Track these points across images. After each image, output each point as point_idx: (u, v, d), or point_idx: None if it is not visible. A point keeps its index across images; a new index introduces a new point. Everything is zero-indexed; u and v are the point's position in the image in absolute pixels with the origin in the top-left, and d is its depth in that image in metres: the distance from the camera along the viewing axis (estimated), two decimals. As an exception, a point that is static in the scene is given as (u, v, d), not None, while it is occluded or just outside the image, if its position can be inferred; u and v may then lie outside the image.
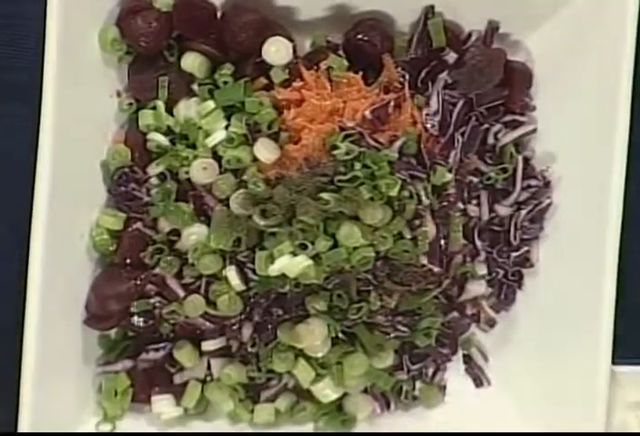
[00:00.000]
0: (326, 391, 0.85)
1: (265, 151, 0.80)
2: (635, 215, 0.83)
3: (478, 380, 0.89)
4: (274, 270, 0.78)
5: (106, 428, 0.84)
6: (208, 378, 0.86)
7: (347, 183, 0.77)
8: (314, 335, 0.82)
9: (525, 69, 0.88)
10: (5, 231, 0.87)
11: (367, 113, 0.80)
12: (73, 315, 0.82)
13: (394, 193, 0.77)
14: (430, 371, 0.89)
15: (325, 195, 0.77)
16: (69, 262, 0.80)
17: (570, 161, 0.86)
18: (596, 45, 0.83)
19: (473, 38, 0.86)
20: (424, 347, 0.86)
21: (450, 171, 0.82)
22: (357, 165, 0.77)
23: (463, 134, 0.85)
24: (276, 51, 0.81)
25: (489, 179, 0.87)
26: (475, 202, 0.86)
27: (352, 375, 0.84)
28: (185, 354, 0.85)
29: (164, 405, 0.85)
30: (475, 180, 0.86)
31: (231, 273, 0.81)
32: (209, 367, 0.86)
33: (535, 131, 0.88)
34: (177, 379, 0.86)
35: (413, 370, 0.87)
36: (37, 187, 0.76)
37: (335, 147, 0.78)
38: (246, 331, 0.84)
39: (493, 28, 0.86)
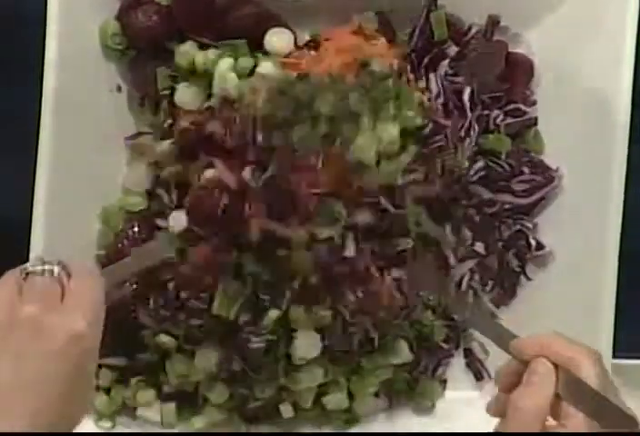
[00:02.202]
0: (334, 403, 0.85)
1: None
2: (636, 211, 0.83)
3: (479, 373, 0.89)
4: None
5: (107, 424, 0.84)
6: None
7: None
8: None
9: (526, 61, 0.87)
10: (5, 226, 0.86)
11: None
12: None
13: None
14: (431, 365, 0.88)
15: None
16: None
17: (569, 154, 0.86)
18: (597, 39, 0.82)
19: (473, 31, 0.85)
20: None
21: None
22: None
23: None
24: (278, 41, 0.81)
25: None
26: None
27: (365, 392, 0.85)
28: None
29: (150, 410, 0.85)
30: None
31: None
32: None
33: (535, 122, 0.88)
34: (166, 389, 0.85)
35: (419, 366, 0.87)
36: (37, 182, 0.76)
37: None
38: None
39: (494, 22, 0.85)
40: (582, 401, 0.57)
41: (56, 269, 0.58)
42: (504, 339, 0.64)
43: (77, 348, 0.56)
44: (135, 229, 0.82)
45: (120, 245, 0.81)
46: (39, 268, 0.58)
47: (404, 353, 0.85)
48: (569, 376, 0.58)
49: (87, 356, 0.57)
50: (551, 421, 0.58)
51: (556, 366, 0.59)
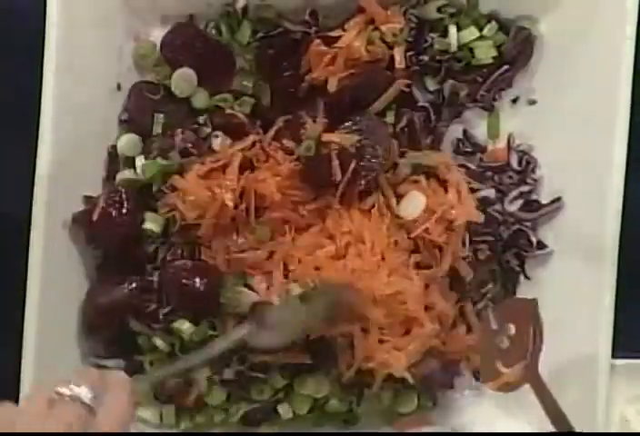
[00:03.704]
0: (334, 406, 0.85)
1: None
2: (636, 210, 0.83)
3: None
4: None
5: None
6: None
7: None
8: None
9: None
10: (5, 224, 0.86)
11: None
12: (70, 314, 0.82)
13: None
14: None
15: None
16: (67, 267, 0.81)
17: (570, 151, 0.86)
18: (597, 36, 0.82)
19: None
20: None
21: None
22: None
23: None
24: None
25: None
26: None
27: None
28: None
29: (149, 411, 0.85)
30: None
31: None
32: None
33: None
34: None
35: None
36: (37, 181, 0.76)
37: None
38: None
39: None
40: None
41: (85, 394, 0.58)
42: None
43: None
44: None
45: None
46: (68, 393, 0.57)
47: None
48: None
49: None
50: None
51: None
